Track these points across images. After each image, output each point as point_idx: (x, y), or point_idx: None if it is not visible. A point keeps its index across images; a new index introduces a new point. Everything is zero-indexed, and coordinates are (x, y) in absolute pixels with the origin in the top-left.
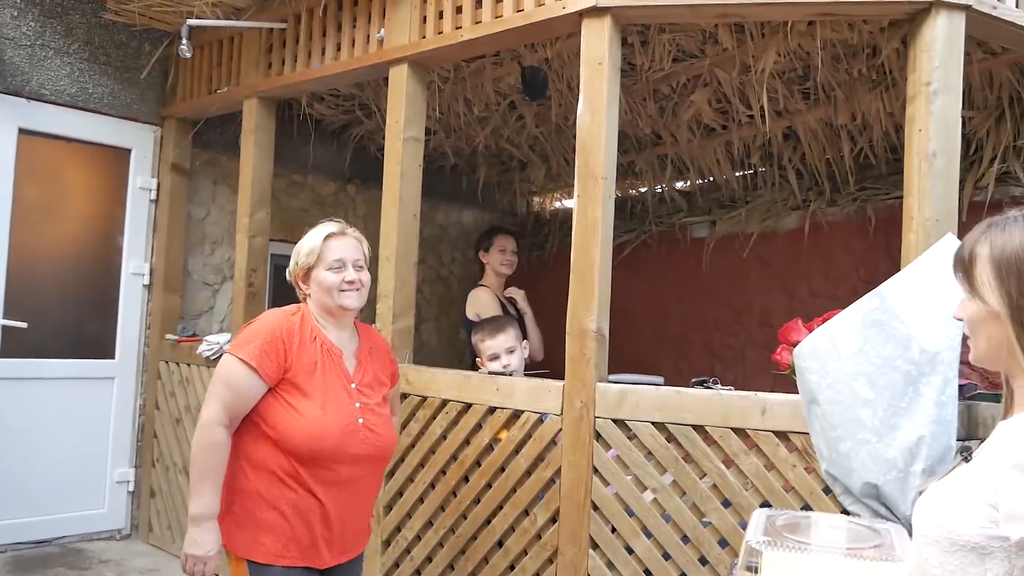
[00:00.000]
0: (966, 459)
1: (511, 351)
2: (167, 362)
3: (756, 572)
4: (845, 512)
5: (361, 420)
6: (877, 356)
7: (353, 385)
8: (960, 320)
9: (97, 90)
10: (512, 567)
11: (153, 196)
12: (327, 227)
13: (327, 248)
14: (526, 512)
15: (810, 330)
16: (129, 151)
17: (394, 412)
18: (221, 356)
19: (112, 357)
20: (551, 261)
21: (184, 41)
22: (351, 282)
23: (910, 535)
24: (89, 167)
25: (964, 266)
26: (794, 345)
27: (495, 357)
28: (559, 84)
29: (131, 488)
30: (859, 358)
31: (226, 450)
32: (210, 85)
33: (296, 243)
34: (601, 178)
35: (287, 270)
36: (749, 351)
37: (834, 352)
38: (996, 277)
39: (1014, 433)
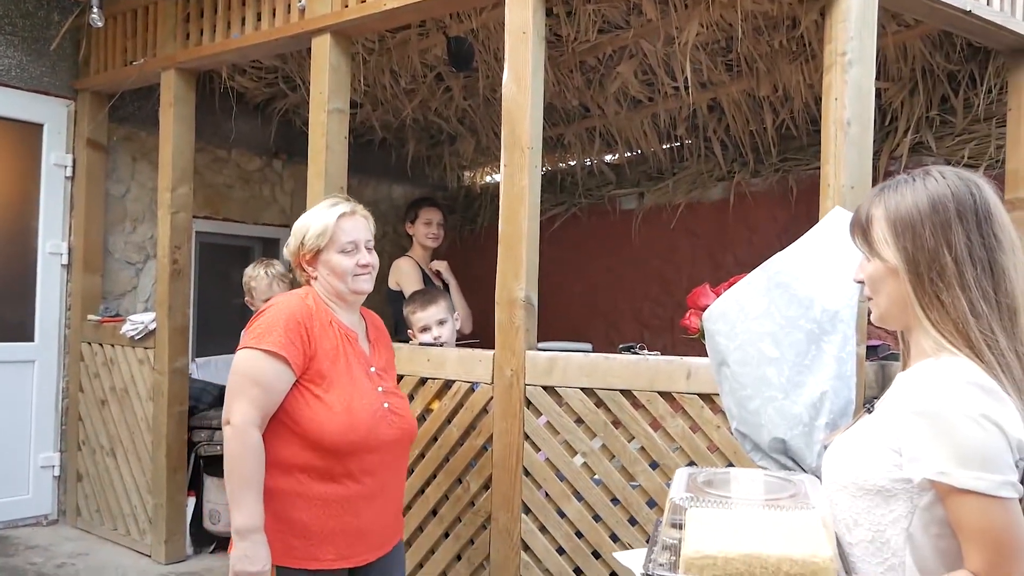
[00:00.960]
0: (869, 411)
1: (442, 323)
2: (90, 343)
3: (681, 528)
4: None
5: (386, 404)
6: (782, 316)
7: (372, 369)
8: (860, 282)
9: (3, 62)
10: (447, 534)
11: (69, 173)
12: (338, 207)
13: (339, 229)
14: (459, 480)
15: (717, 294)
16: (41, 126)
17: None
18: (147, 335)
19: (31, 340)
20: (483, 235)
21: (95, 10)
22: (364, 265)
23: None
24: None
25: (862, 228)
26: (702, 309)
27: (426, 329)
28: (486, 56)
29: (56, 472)
30: (765, 319)
31: (263, 453)
32: (125, 56)
33: (294, 223)
34: (527, 148)
35: (285, 250)
36: (678, 320)
37: (741, 314)
38: (892, 234)
39: (913, 382)
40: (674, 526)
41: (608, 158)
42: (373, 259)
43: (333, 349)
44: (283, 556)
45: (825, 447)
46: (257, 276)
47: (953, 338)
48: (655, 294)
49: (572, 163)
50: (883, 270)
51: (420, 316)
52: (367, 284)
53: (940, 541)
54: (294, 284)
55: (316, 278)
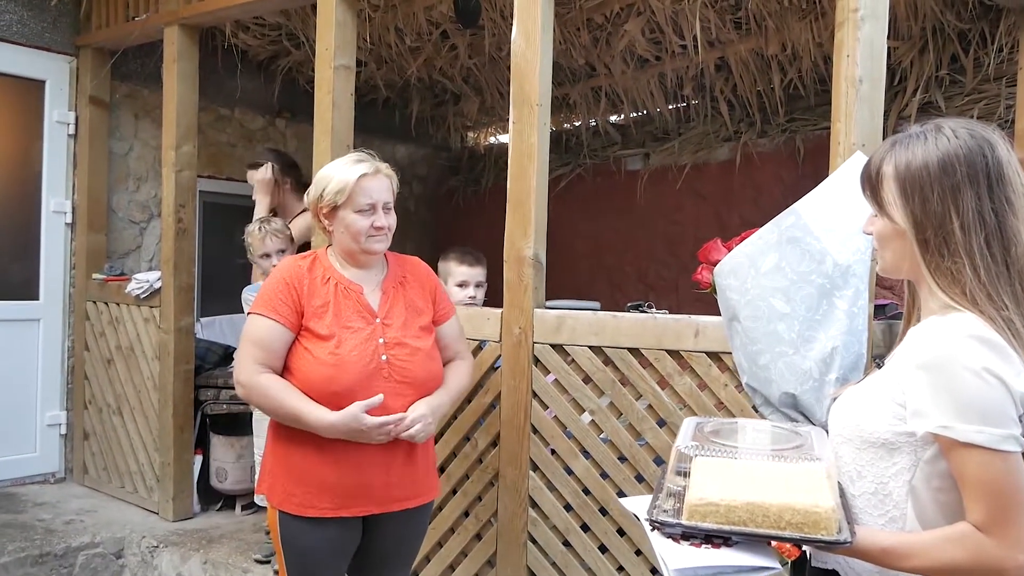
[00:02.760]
0: (879, 365)
1: (480, 285)
2: (95, 302)
3: (687, 476)
4: None
5: (384, 357)
6: (793, 271)
7: (378, 320)
8: (869, 234)
9: (4, 17)
10: (455, 491)
11: (71, 130)
12: (360, 165)
13: (359, 189)
14: (467, 438)
15: (729, 249)
16: (43, 83)
17: (457, 353)
18: (152, 294)
19: (36, 298)
20: (487, 197)
21: None
22: (380, 228)
23: None
24: (0, 100)
25: (871, 184)
26: (714, 264)
27: (464, 284)
28: (492, 13)
29: (63, 431)
30: (776, 274)
31: (277, 381)
32: (127, 12)
33: (313, 177)
34: (536, 104)
35: (306, 198)
36: (683, 281)
37: (752, 269)
38: (901, 196)
39: (919, 336)
40: (679, 474)
41: (613, 118)
42: (390, 220)
43: (323, 305)
44: (283, 502)
45: (834, 400)
46: (252, 232)
47: (957, 296)
48: (660, 255)
49: (577, 123)
50: (891, 230)
51: (463, 270)
52: (380, 245)
53: (941, 494)
54: (293, 241)
55: (332, 232)
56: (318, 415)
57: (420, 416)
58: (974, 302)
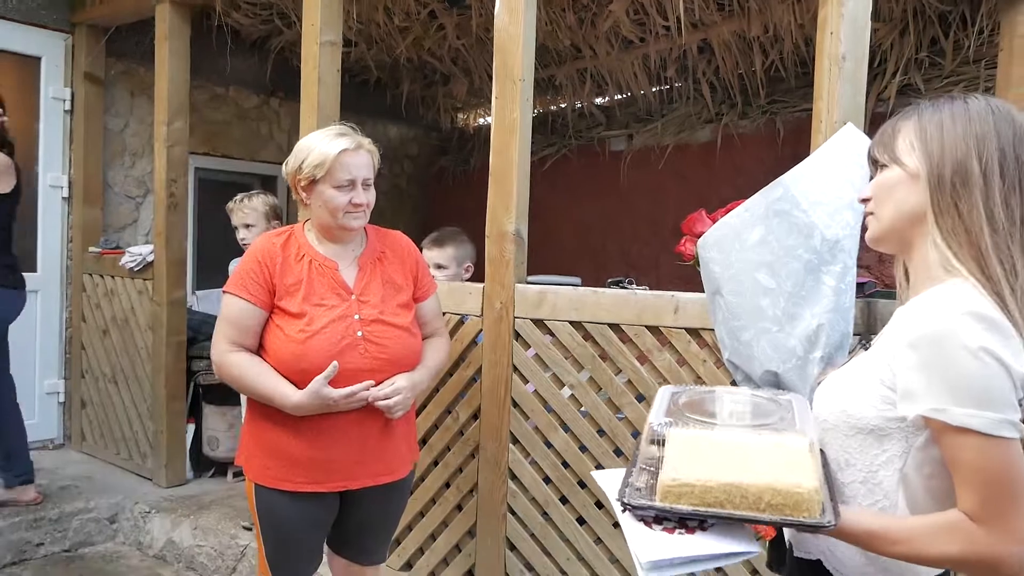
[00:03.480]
0: (865, 347)
1: (440, 267)
2: (91, 275)
3: (661, 445)
4: None
5: (360, 333)
6: (779, 246)
7: (353, 296)
8: (867, 201)
9: None
10: (436, 463)
11: (67, 107)
12: (341, 140)
13: (339, 164)
14: (448, 411)
15: (714, 221)
16: (39, 59)
17: (436, 331)
18: (145, 267)
19: (34, 270)
20: (475, 176)
21: None
22: (358, 205)
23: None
24: None
25: (884, 142)
26: (698, 236)
27: (439, 267)
28: None
29: (61, 399)
30: (762, 248)
31: (248, 358)
32: None
33: (290, 152)
34: (519, 80)
35: (283, 168)
36: (664, 259)
37: (737, 242)
38: (920, 139)
39: (911, 312)
40: (653, 442)
41: (598, 100)
42: (369, 197)
43: (296, 283)
44: (259, 475)
45: (819, 384)
46: (230, 206)
47: (961, 251)
48: (643, 235)
49: (563, 105)
50: (899, 176)
51: (436, 254)
52: (357, 222)
53: (933, 481)
54: (269, 219)
55: (308, 205)
56: (284, 394)
57: (398, 388)
58: (977, 249)
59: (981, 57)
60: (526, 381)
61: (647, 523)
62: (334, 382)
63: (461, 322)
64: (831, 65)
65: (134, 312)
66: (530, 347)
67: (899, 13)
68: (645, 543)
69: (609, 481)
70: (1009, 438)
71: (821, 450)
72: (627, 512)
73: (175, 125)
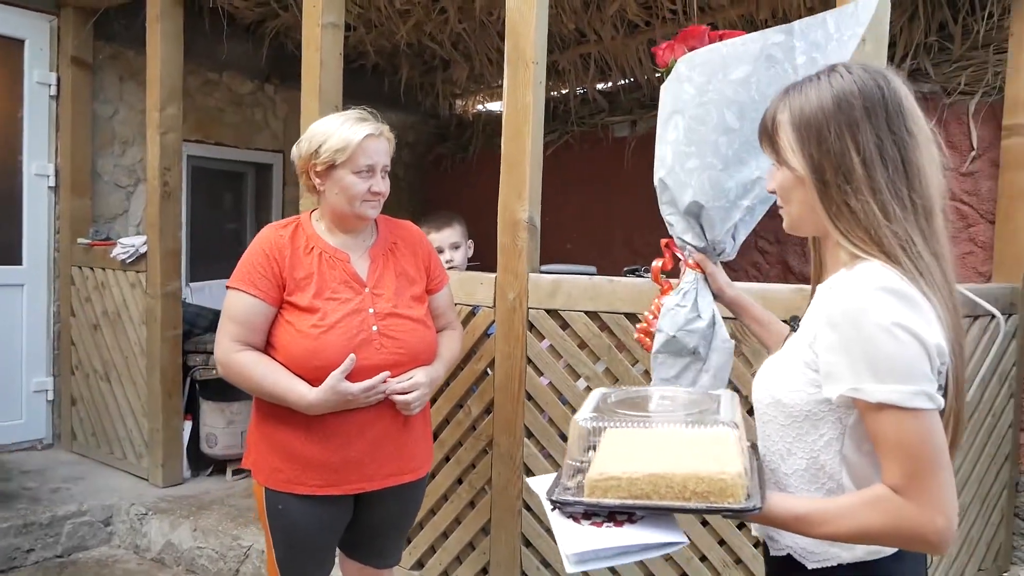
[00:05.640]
0: (794, 329)
1: (456, 247)
2: (80, 267)
3: (592, 450)
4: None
5: (375, 327)
6: (758, 91)
7: (367, 289)
8: (773, 192)
9: None
10: (448, 459)
11: (53, 92)
12: (365, 124)
13: (361, 150)
14: (460, 405)
15: (712, 40)
16: (22, 42)
17: (449, 323)
18: (138, 259)
19: (19, 263)
20: (475, 163)
21: None
22: (376, 193)
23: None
24: None
25: (768, 135)
26: (688, 48)
27: (439, 251)
28: None
29: (50, 397)
30: (741, 87)
31: (256, 356)
32: None
33: (301, 136)
34: (532, 62)
35: (295, 149)
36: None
37: (721, 72)
38: (797, 141)
39: (828, 293)
40: (585, 449)
41: (601, 86)
42: (385, 186)
43: (306, 277)
44: (269, 479)
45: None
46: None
47: (866, 245)
48: (647, 221)
49: (565, 91)
50: (791, 179)
51: (432, 237)
52: (373, 211)
53: (873, 457)
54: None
55: (323, 192)
56: (300, 393)
57: (417, 383)
58: (879, 243)
59: (990, 42)
60: (540, 373)
61: (576, 519)
62: (349, 378)
63: (472, 313)
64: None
65: (127, 305)
66: (544, 338)
67: None
68: (570, 536)
69: (543, 485)
70: (925, 409)
71: (753, 444)
72: (556, 510)
73: (168, 111)
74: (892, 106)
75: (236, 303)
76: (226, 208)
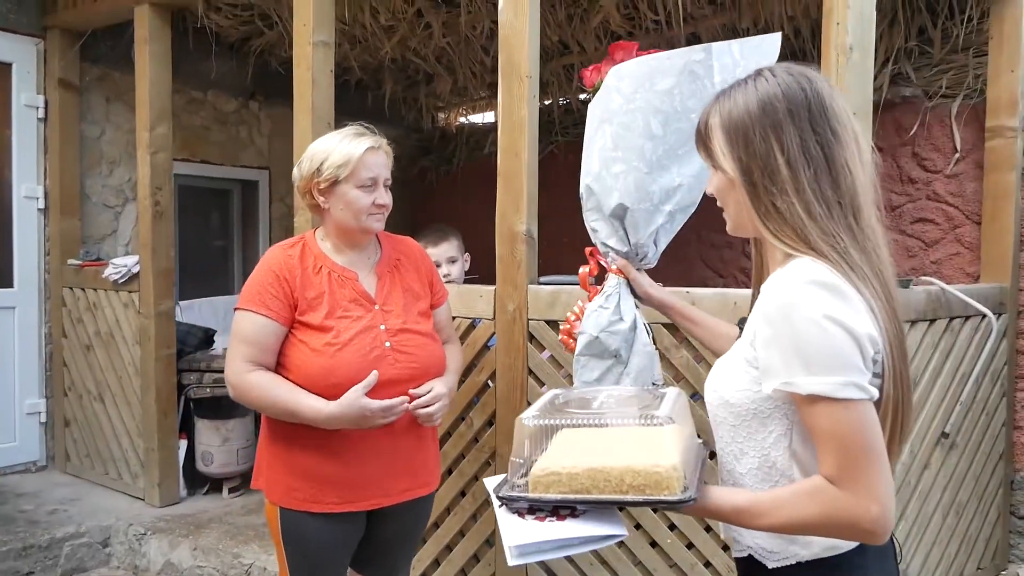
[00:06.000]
0: (743, 331)
1: (452, 260)
2: (71, 288)
3: (539, 448)
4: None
5: (388, 343)
6: (680, 103)
7: (377, 307)
8: (712, 196)
9: None
10: (451, 471)
11: (41, 114)
12: (364, 139)
13: (363, 163)
14: (462, 417)
15: (640, 56)
16: (9, 65)
17: (449, 338)
18: (130, 279)
19: (11, 286)
20: (459, 175)
21: None
22: (381, 206)
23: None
24: None
25: (703, 139)
26: (616, 61)
27: (436, 265)
28: None
29: (43, 419)
30: (666, 97)
31: (269, 376)
32: None
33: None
34: (526, 76)
35: (296, 171)
36: (661, 256)
37: (648, 82)
38: (727, 144)
39: (764, 291)
40: (534, 447)
41: (583, 96)
42: (389, 199)
43: (318, 296)
44: (285, 498)
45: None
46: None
47: (795, 243)
48: None
49: (548, 102)
50: (725, 182)
51: (431, 252)
52: (379, 224)
53: None
54: None
55: (327, 210)
56: (316, 407)
57: (437, 395)
58: (807, 241)
59: (970, 45)
60: (542, 384)
61: (520, 514)
62: (369, 394)
63: (472, 326)
64: (838, 56)
65: (119, 326)
66: (545, 349)
67: (888, 3)
68: (513, 530)
69: (494, 484)
70: (856, 399)
71: (706, 440)
72: (503, 507)
73: (158, 130)
74: (815, 107)
75: (247, 324)
76: (213, 226)
